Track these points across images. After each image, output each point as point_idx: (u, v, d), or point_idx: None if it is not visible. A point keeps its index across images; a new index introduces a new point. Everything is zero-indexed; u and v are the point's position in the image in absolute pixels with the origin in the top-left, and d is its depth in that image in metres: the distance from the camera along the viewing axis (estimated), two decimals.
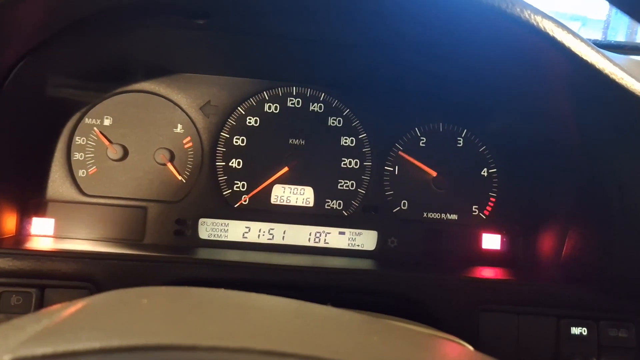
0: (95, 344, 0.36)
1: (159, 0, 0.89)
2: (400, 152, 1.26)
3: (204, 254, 1.13)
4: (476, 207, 1.27)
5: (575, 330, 1.02)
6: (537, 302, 1.03)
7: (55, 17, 0.90)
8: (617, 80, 0.88)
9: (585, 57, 0.87)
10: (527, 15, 0.83)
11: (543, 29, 0.85)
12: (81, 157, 1.21)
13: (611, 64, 0.89)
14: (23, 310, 0.91)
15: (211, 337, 0.39)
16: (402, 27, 0.94)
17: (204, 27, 0.96)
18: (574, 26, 0.90)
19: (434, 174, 1.25)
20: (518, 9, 0.82)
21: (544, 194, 1.20)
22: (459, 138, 1.27)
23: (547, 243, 1.18)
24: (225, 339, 0.39)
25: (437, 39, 0.97)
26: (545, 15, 0.86)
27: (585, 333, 1.02)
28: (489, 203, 1.27)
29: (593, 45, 0.89)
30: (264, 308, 0.50)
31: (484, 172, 1.27)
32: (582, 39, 0.88)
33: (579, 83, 0.95)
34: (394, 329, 0.61)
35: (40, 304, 0.93)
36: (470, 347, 0.77)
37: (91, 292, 0.94)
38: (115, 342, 0.37)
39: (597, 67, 0.87)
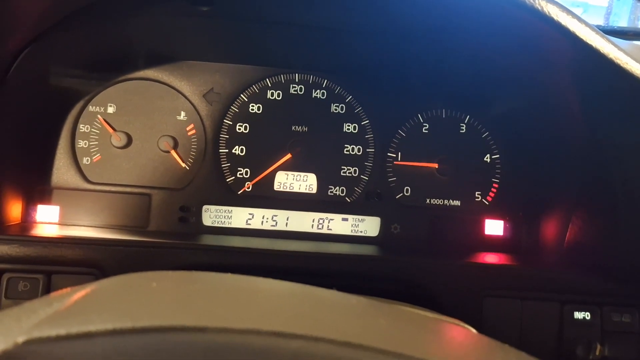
0: (108, 326, 0.37)
1: None
2: (395, 161, 1.27)
3: (207, 240, 1.15)
4: (479, 193, 1.27)
5: (579, 315, 1.03)
6: (540, 287, 1.04)
7: (58, 4, 0.90)
8: (621, 64, 0.89)
9: (589, 42, 0.87)
10: (531, 1, 0.84)
11: (548, 14, 0.85)
12: (85, 144, 1.22)
13: (616, 49, 0.89)
14: (31, 296, 0.93)
15: (220, 319, 0.40)
16: (405, 14, 0.95)
17: (208, 14, 0.96)
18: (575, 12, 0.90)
19: (435, 165, 1.26)
20: None
21: (547, 181, 1.20)
22: (461, 124, 1.28)
23: (550, 229, 1.18)
24: (233, 320, 0.39)
25: (441, 26, 0.98)
26: (549, 0, 0.86)
27: (588, 318, 1.03)
28: (492, 189, 1.28)
29: (597, 30, 0.89)
30: (271, 291, 0.51)
31: (487, 158, 1.28)
32: (586, 24, 0.88)
33: (583, 68, 0.95)
34: (399, 312, 0.62)
35: (48, 290, 0.94)
36: (474, 330, 0.78)
37: (97, 278, 0.95)
38: (127, 324, 0.37)
39: (602, 51, 0.88)
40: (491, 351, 0.50)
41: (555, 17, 0.84)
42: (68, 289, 0.48)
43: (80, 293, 0.46)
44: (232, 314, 0.42)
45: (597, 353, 0.99)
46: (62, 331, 0.37)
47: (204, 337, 0.37)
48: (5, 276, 0.93)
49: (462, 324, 0.81)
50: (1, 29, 0.87)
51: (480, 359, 0.49)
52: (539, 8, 0.84)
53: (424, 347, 0.44)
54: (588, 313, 1.03)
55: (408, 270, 1.03)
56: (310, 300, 0.51)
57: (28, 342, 0.36)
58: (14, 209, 1.11)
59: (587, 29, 0.87)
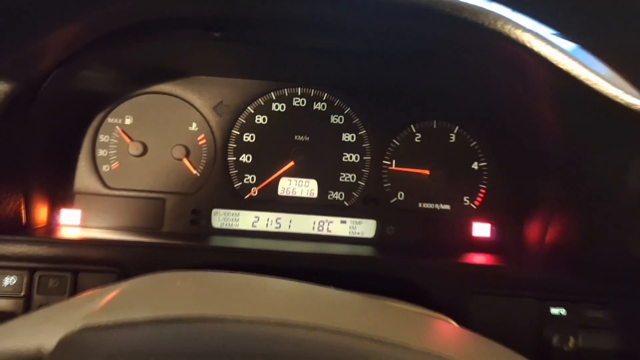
0: (145, 315, 0.43)
1: (180, 16, 0.98)
2: (390, 168, 1.34)
3: (217, 241, 1.21)
4: (467, 197, 1.35)
5: (555, 311, 1.09)
6: (521, 285, 1.10)
7: (86, 33, 0.99)
8: (591, 85, 0.98)
9: (561, 66, 0.96)
10: (507, 30, 0.92)
11: (522, 41, 0.94)
12: (105, 153, 1.30)
13: (587, 71, 0.98)
14: (60, 292, 1.00)
15: (236, 310, 0.46)
16: (396, 40, 1.03)
17: (219, 38, 1.05)
18: None
19: (427, 172, 1.34)
20: (499, 25, 0.92)
21: (529, 187, 1.26)
22: (451, 134, 1.35)
23: (532, 231, 1.24)
24: (246, 311, 0.46)
25: (429, 49, 1.06)
26: (524, 29, 0.95)
27: (564, 314, 1.09)
28: (479, 194, 1.35)
29: (570, 53, 0.98)
30: (277, 289, 0.57)
31: (475, 165, 1.35)
32: (560, 49, 0.97)
33: (558, 87, 1.02)
34: (387, 306, 0.70)
35: (75, 287, 1.02)
36: (455, 324, 0.87)
37: (119, 275, 1.03)
38: (161, 314, 0.43)
39: (573, 73, 0.96)
40: (469, 340, 0.57)
41: (528, 44, 0.93)
42: (101, 289, 0.54)
43: (116, 290, 0.52)
44: (245, 306, 0.49)
45: (571, 345, 1.08)
46: (110, 320, 0.43)
47: (225, 325, 0.43)
48: (37, 274, 1.01)
49: (444, 317, 0.89)
50: (35, 53, 0.96)
51: (455, 345, 0.57)
52: (514, 37, 0.93)
53: (408, 335, 0.49)
54: (564, 309, 1.08)
55: (401, 269, 1.10)
56: (310, 296, 0.57)
57: (83, 329, 0.42)
58: (41, 213, 1.20)
59: (560, 53, 0.96)
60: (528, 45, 0.93)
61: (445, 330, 0.65)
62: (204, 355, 0.40)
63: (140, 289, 0.55)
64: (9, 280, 1.00)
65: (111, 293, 0.52)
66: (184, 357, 0.40)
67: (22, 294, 1.00)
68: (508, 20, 0.93)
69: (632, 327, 1.08)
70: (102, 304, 0.48)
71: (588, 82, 0.97)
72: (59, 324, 0.43)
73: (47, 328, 0.43)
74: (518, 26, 0.93)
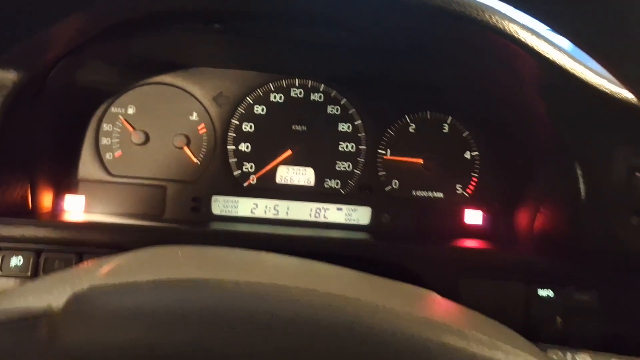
0: (149, 278, 0.45)
1: (182, 9, 1.02)
2: (385, 157, 1.38)
3: (217, 227, 1.24)
4: (460, 186, 1.38)
5: (543, 294, 1.12)
6: (509, 269, 1.13)
7: (90, 25, 1.03)
8: (576, 73, 1.01)
9: (548, 56, 1.00)
10: (495, 21, 0.97)
11: (509, 31, 0.98)
12: (108, 141, 1.33)
13: (571, 60, 1.02)
14: None
15: (245, 276, 0.48)
16: (388, 32, 1.06)
17: (219, 30, 1.08)
18: None
19: (421, 161, 1.37)
20: (487, 16, 0.96)
21: (519, 175, 1.30)
22: (444, 124, 1.39)
23: (522, 219, 1.27)
24: (243, 276, 0.47)
25: (420, 43, 1.10)
26: (511, 20, 0.99)
27: (552, 296, 1.12)
28: (472, 182, 1.38)
29: (557, 44, 1.02)
30: (276, 260, 0.60)
31: (467, 155, 1.39)
32: (546, 40, 1.01)
33: (545, 77, 1.06)
34: (380, 279, 0.73)
35: None
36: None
37: None
38: (166, 277, 0.45)
39: (559, 63, 1.00)
40: (460, 311, 0.59)
41: (515, 35, 0.97)
42: (110, 256, 0.56)
43: (122, 258, 0.55)
44: (244, 272, 0.51)
45: (558, 325, 1.12)
46: (116, 281, 0.45)
47: (222, 287, 0.45)
48: (43, 256, 1.04)
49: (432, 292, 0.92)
50: (42, 43, 1.00)
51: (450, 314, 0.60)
52: (501, 27, 0.97)
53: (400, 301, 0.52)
54: (552, 292, 1.11)
55: (395, 253, 1.13)
56: (308, 267, 0.59)
57: (91, 289, 0.44)
58: (46, 199, 1.24)
59: (546, 44, 1.00)
60: (515, 36, 0.97)
61: (437, 300, 0.67)
62: (205, 315, 0.42)
63: (144, 257, 0.57)
64: (16, 261, 1.04)
65: (117, 260, 0.54)
66: (184, 317, 0.42)
67: (28, 274, 1.03)
68: (495, 11, 0.97)
69: (616, 309, 1.12)
70: (108, 268, 0.51)
71: (574, 72, 1.01)
72: (67, 286, 0.45)
73: (56, 289, 0.45)
74: (505, 17, 0.97)
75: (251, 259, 0.60)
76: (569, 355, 0.91)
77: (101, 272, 0.50)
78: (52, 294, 0.44)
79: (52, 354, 0.40)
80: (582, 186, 1.07)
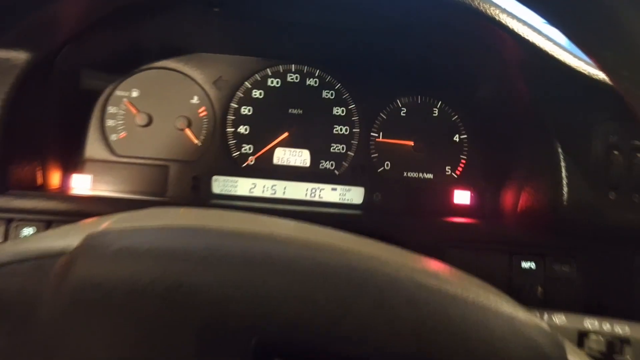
0: (160, 223, 0.49)
1: None
2: (377, 139, 1.43)
3: (216, 205, 1.29)
4: (449, 167, 1.43)
5: (525, 265, 1.18)
6: (493, 241, 1.19)
7: (94, 10, 1.09)
8: (555, 56, 1.08)
9: (529, 39, 1.06)
10: (477, 4, 1.03)
11: (492, 16, 1.04)
12: (113, 123, 1.39)
13: (552, 44, 1.08)
14: None
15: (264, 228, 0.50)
16: (381, 16, 1.13)
17: (219, 14, 1.15)
18: None
19: (411, 143, 1.43)
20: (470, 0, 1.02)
21: (505, 157, 1.34)
22: (434, 109, 1.44)
23: (508, 198, 1.31)
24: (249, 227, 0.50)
25: (409, 27, 1.16)
26: (494, 4, 1.05)
27: (534, 267, 1.18)
28: (460, 164, 1.43)
29: (538, 29, 1.09)
30: (277, 220, 0.61)
31: (456, 138, 1.44)
32: (527, 24, 1.07)
33: (526, 60, 1.12)
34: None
35: None
36: None
37: None
38: (172, 223, 0.49)
39: (539, 46, 1.06)
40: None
41: (497, 18, 1.04)
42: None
43: (133, 212, 0.59)
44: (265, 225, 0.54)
45: (539, 294, 1.18)
46: (127, 225, 0.49)
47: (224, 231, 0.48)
48: (53, 226, 1.10)
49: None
50: (50, 27, 1.06)
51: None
52: (485, 11, 1.03)
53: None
54: (533, 263, 1.17)
55: (386, 226, 1.19)
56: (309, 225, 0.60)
57: (104, 231, 0.47)
58: (55, 177, 1.29)
59: (526, 27, 1.06)
60: (497, 19, 1.03)
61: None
62: (208, 256, 0.44)
63: (152, 212, 0.61)
64: (27, 231, 1.11)
65: (129, 213, 0.59)
66: (188, 257, 0.44)
67: None
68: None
69: (593, 279, 1.18)
70: (119, 217, 0.55)
71: (553, 54, 1.06)
72: (82, 230, 0.48)
73: (72, 233, 0.48)
74: (489, 2, 1.04)
75: (253, 217, 0.61)
76: (545, 316, 0.97)
77: (112, 220, 0.54)
78: (67, 237, 0.48)
79: (66, 288, 0.42)
80: (562, 164, 1.12)
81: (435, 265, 0.53)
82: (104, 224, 0.50)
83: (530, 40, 1.06)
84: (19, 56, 1.07)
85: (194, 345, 0.41)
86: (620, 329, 0.94)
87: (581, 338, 0.94)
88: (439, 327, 0.43)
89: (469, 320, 0.43)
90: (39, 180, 1.22)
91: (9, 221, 1.11)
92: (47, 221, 1.11)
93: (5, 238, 1.10)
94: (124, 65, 1.39)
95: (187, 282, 0.42)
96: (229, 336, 0.42)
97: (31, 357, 0.42)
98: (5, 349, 0.43)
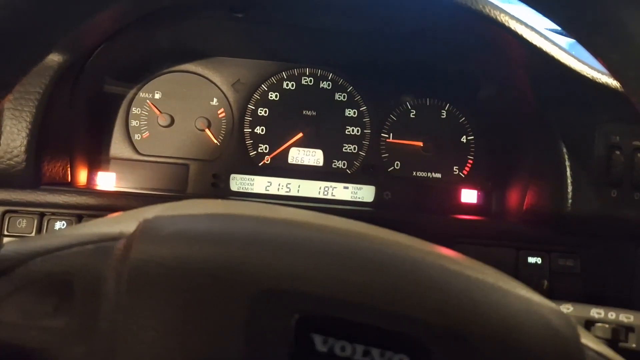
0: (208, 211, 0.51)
1: None
2: (387, 140, 1.47)
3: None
4: (456, 167, 1.47)
5: (532, 260, 1.22)
6: (501, 237, 1.24)
7: (125, 16, 1.14)
8: (560, 60, 1.12)
9: (536, 43, 1.11)
10: (487, 11, 1.09)
11: (501, 22, 1.10)
12: (137, 124, 1.44)
13: (557, 49, 1.14)
14: None
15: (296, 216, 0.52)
16: (392, 20, 1.18)
17: (241, 19, 1.21)
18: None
19: (420, 144, 1.47)
20: (480, 6, 1.08)
21: (510, 157, 1.38)
22: (442, 110, 1.48)
23: (513, 197, 1.35)
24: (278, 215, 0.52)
25: (420, 31, 1.21)
26: (502, 11, 1.11)
27: (539, 262, 1.22)
28: (467, 164, 1.47)
29: (543, 34, 1.14)
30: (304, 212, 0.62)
31: (464, 139, 1.47)
32: (533, 29, 1.13)
33: (533, 64, 1.17)
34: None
35: None
36: None
37: None
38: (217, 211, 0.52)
39: (544, 50, 1.11)
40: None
41: (506, 23, 1.09)
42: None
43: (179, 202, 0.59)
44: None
45: (545, 287, 1.23)
46: (176, 212, 0.51)
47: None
48: (83, 220, 1.16)
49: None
50: (85, 31, 1.12)
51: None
52: (494, 16, 1.09)
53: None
54: (539, 258, 1.22)
55: (396, 221, 1.23)
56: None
57: (157, 217, 0.49)
58: (82, 174, 1.34)
59: (534, 33, 1.12)
60: (507, 25, 1.08)
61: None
62: (252, 239, 0.47)
63: (192, 202, 0.61)
64: (60, 225, 1.17)
65: (171, 203, 0.60)
66: (234, 239, 0.47)
67: None
68: (488, 2, 1.09)
69: (595, 272, 1.23)
70: (166, 206, 0.57)
71: (559, 59, 1.11)
72: (135, 217, 0.50)
73: (125, 220, 0.51)
74: (497, 8, 1.10)
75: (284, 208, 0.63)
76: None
77: (160, 208, 0.56)
78: (122, 222, 0.50)
79: (127, 267, 0.45)
80: (567, 163, 1.16)
81: (456, 254, 0.57)
82: (154, 210, 0.53)
83: (537, 45, 1.11)
84: (54, 58, 1.12)
85: (242, 319, 0.44)
86: (625, 317, 0.98)
87: (587, 326, 0.98)
88: (464, 305, 0.45)
89: (490, 300, 0.46)
90: (68, 178, 1.28)
91: (41, 215, 1.17)
92: (78, 215, 1.17)
93: (39, 231, 1.15)
94: (148, 68, 1.45)
95: (234, 262, 0.45)
96: (272, 315, 0.44)
97: (97, 333, 0.45)
98: (72, 327, 0.46)
